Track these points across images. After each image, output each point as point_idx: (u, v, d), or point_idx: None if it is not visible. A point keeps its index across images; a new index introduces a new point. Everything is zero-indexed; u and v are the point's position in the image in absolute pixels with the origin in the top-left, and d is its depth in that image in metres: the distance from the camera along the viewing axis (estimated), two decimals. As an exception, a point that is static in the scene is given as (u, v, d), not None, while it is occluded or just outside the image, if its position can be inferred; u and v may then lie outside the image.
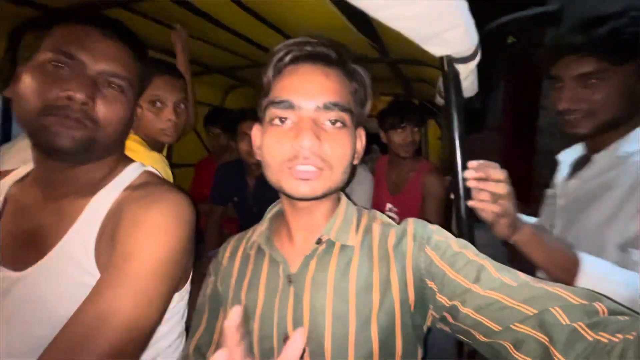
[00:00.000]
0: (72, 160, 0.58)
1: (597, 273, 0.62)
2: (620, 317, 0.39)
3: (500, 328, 0.43)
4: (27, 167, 0.67)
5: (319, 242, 0.58)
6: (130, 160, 0.68)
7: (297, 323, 0.55)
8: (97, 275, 0.54)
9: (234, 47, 1.49)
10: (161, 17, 1.18)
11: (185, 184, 2.13)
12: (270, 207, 0.68)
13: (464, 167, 0.65)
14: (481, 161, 0.62)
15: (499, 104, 4.68)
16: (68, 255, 0.56)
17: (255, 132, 0.61)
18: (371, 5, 0.42)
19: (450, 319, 0.49)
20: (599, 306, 0.40)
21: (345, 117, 0.54)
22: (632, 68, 0.70)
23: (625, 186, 0.70)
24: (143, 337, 0.53)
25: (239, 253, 0.66)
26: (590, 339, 0.38)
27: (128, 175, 0.64)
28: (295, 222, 0.61)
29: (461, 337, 0.50)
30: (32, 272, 0.55)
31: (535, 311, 0.42)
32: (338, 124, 0.54)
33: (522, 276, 0.48)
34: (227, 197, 1.77)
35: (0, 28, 1.08)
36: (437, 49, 0.54)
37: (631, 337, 0.35)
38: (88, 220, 0.58)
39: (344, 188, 0.62)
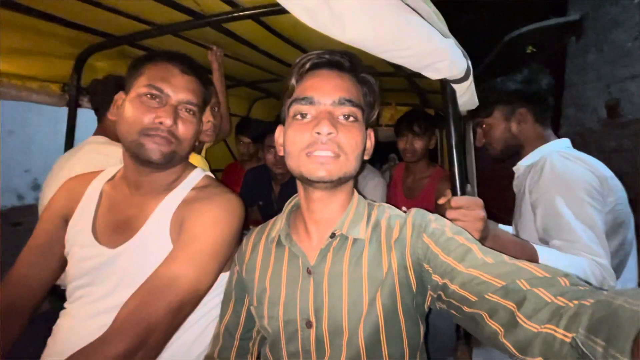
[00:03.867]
0: (157, 167, 0.75)
1: (551, 261, 0.74)
2: (581, 287, 0.42)
3: (477, 298, 0.49)
4: (113, 169, 0.86)
5: (332, 236, 0.64)
6: (192, 166, 0.85)
7: (317, 309, 0.62)
8: (170, 249, 0.70)
9: (260, 62, 1.64)
10: (200, 39, 1.36)
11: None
12: (288, 202, 0.75)
13: (460, 175, 0.76)
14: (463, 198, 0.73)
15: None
16: (149, 235, 0.73)
17: (279, 131, 0.69)
18: (374, 50, 0.55)
19: (443, 297, 0.55)
20: (561, 279, 0.44)
21: (357, 112, 0.62)
22: (498, 116, 1.10)
23: (526, 193, 0.99)
24: (197, 299, 0.69)
25: (261, 245, 0.73)
26: (548, 300, 0.41)
27: (193, 178, 0.81)
28: (311, 217, 0.67)
29: (453, 312, 0.54)
30: (123, 249, 0.72)
31: (504, 283, 0.47)
32: (351, 118, 0.62)
33: (502, 257, 0.52)
34: (253, 200, 1.90)
35: (69, 51, 1.29)
36: (432, 75, 0.66)
37: (587, 304, 0.37)
38: (164, 210, 0.75)
39: (355, 184, 0.69)
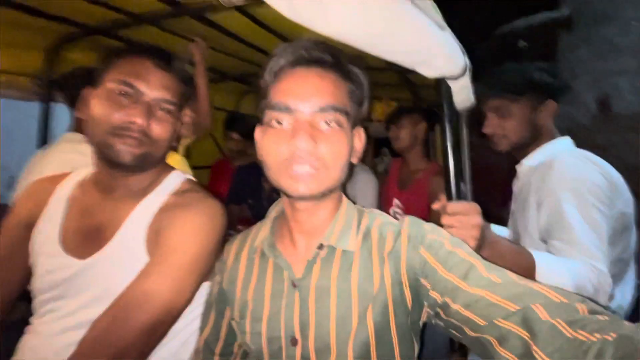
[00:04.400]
0: (130, 170, 0.69)
1: (548, 267, 0.71)
2: (600, 317, 0.39)
3: (486, 323, 0.44)
4: (82, 171, 0.79)
5: (320, 247, 0.60)
6: (170, 168, 0.79)
7: (303, 325, 0.58)
8: (146, 262, 0.65)
9: (247, 55, 1.59)
10: (183, 31, 1.29)
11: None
12: (272, 207, 0.70)
13: (456, 176, 0.73)
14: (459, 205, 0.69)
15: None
16: (122, 245, 0.67)
17: (258, 133, 0.63)
18: (362, 44, 0.50)
19: (442, 315, 0.51)
20: (579, 306, 0.41)
21: (341, 118, 0.56)
22: (526, 104, 0.99)
23: (531, 193, 0.95)
24: (174, 317, 0.64)
25: (244, 254, 0.68)
26: (569, 335, 0.38)
27: (171, 182, 0.75)
28: (297, 226, 0.62)
29: (453, 332, 0.50)
30: (94, 259, 0.66)
31: (518, 307, 0.43)
32: (334, 125, 0.55)
33: (510, 275, 0.49)
34: (243, 198, 1.85)
35: (39, 43, 1.21)
36: (426, 72, 0.62)
37: (609, 338, 0.35)
38: (139, 218, 0.69)
39: (344, 187, 0.65)
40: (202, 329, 0.71)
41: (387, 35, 0.50)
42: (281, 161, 0.55)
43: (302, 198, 0.57)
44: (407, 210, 1.65)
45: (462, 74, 0.68)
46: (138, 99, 0.66)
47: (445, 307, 0.50)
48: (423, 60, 0.58)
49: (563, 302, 0.42)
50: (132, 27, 1.15)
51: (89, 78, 1.10)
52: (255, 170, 1.80)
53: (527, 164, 1.02)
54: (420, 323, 0.60)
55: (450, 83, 0.70)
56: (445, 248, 0.54)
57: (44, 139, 1.30)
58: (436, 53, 0.57)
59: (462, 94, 0.75)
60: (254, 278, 0.65)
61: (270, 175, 0.58)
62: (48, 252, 0.69)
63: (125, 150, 0.64)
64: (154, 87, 0.67)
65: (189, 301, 0.66)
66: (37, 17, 1.07)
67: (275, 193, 1.70)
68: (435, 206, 0.71)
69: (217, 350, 0.69)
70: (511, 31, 3.87)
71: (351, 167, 0.61)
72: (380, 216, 0.66)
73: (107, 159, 0.67)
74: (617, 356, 0.33)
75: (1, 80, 1.24)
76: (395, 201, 1.73)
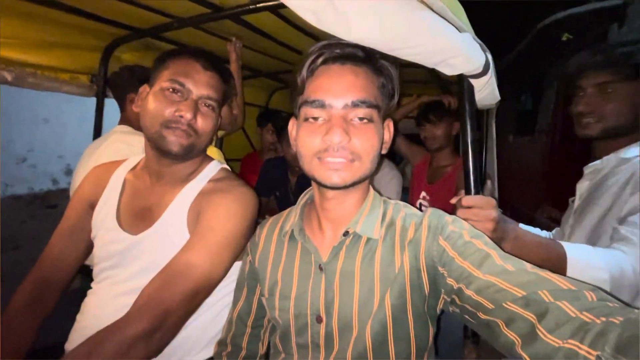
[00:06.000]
0: (177, 159, 0.78)
1: (581, 258, 0.68)
2: (610, 304, 0.39)
3: (494, 306, 0.46)
4: (136, 158, 0.90)
5: (346, 234, 0.63)
6: (210, 159, 0.88)
7: (328, 305, 0.62)
8: (187, 238, 0.74)
9: (278, 53, 1.65)
10: (220, 31, 1.38)
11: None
12: (302, 194, 0.74)
13: (475, 173, 0.74)
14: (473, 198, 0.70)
15: (551, 105, 4.39)
16: (168, 224, 0.77)
17: (291, 125, 0.68)
18: (381, 48, 0.54)
19: (457, 301, 0.53)
20: (588, 293, 0.41)
21: (373, 113, 0.58)
22: (638, 86, 0.83)
23: (621, 181, 0.83)
24: (211, 287, 0.72)
25: (274, 237, 0.73)
26: (573, 315, 0.39)
27: (210, 170, 0.84)
28: (324, 214, 0.66)
29: (467, 317, 0.52)
30: (144, 236, 0.77)
31: (525, 293, 0.44)
32: (365, 120, 0.58)
33: (524, 264, 0.50)
34: (270, 190, 1.93)
35: (97, 44, 1.35)
36: (446, 70, 0.64)
37: (615, 321, 0.35)
38: (182, 201, 0.78)
39: (371, 180, 0.68)
40: (235, 303, 0.78)
41: (404, 39, 0.54)
42: (315, 152, 0.58)
43: (335, 187, 0.60)
44: (435, 203, 1.67)
45: (484, 73, 0.69)
46: (187, 96, 0.74)
47: (460, 293, 0.52)
48: (442, 60, 0.61)
49: (571, 288, 0.43)
50: (176, 29, 1.25)
51: (134, 75, 1.22)
52: (281, 164, 1.87)
53: (625, 155, 0.86)
54: (438, 309, 0.62)
55: (472, 81, 0.71)
56: (464, 238, 0.56)
57: (99, 130, 1.45)
58: (453, 54, 0.60)
59: (485, 91, 0.76)
60: (283, 259, 0.70)
61: (303, 166, 0.62)
62: (107, 227, 0.80)
63: (175, 141, 0.73)
64: (201, 85, 0.75)
65: (224, 274, 0.74)
66: (94, 20, 1.19)
67: (301, 186, 1.78)
68: (453, 200, 0.73)
69: (249, 322, 0.76)
70: (556, 23, 3.64)
71: (380, 159, 0.63)
72: (405, 208, 0.69)
73: (158, 148, 0.76)
74: (622, 338, 0.33)
75: (64, 78, 1.39)
76: (423, 194, 1.76)
